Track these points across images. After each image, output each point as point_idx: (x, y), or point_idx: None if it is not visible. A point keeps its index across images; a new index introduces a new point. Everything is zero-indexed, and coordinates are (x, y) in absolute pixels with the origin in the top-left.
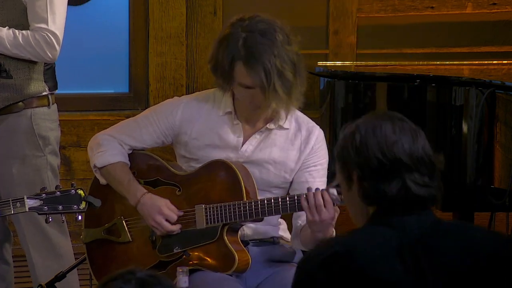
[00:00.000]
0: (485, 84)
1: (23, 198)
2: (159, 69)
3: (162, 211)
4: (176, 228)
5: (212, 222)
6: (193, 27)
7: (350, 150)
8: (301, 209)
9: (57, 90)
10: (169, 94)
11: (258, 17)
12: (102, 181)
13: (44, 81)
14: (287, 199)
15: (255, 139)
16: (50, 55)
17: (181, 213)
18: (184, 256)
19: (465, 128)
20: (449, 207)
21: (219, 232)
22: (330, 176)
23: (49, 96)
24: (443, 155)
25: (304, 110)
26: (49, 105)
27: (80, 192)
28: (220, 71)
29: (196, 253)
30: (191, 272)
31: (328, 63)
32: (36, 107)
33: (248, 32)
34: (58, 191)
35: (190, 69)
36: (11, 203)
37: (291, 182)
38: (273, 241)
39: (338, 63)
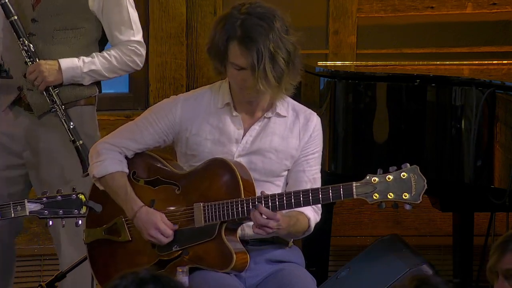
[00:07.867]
0: (485, 84)
1: (24, 201)
2: (159, 69)
3: (158, 226)
4: (170, 239)
5: (210, 220)
6: (193, 27)
7: None
8: (297, 205)
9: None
10: (169, 94)
11: (259, 3)
12: (101, 188)
13: (95, 84)
14: (284, 196)
15: (254, 130)
16: (140, 64)
17: (176, 227)
18: (183, 255)
19: (465, 128)
20: (449, 207)
21: (217, 230)
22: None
23: (95, 97)
24: None
25: None
26: (95, 104)
27: (81, 196)
28: (215, 50)
29: (194, 252)
30: (191, 271)
31: (328, 63)
32: (84, 105)
33: (246, 14)
34: (59, 195)
35: (190, 69)
36: (11, 206)
37: (288, 170)
38: (273, 240)
39: (338, 63)
